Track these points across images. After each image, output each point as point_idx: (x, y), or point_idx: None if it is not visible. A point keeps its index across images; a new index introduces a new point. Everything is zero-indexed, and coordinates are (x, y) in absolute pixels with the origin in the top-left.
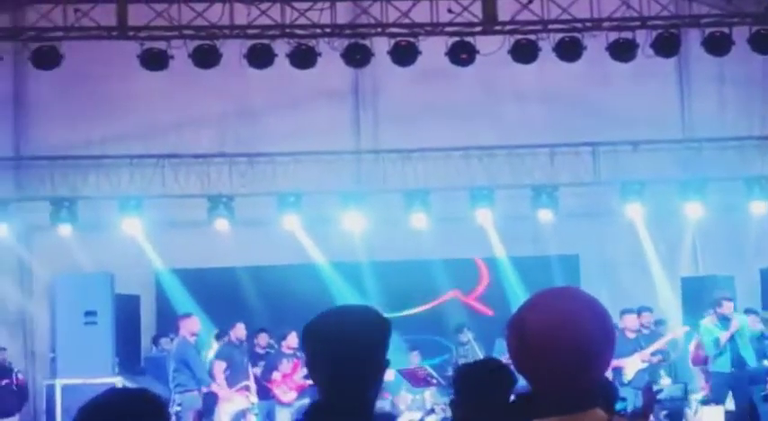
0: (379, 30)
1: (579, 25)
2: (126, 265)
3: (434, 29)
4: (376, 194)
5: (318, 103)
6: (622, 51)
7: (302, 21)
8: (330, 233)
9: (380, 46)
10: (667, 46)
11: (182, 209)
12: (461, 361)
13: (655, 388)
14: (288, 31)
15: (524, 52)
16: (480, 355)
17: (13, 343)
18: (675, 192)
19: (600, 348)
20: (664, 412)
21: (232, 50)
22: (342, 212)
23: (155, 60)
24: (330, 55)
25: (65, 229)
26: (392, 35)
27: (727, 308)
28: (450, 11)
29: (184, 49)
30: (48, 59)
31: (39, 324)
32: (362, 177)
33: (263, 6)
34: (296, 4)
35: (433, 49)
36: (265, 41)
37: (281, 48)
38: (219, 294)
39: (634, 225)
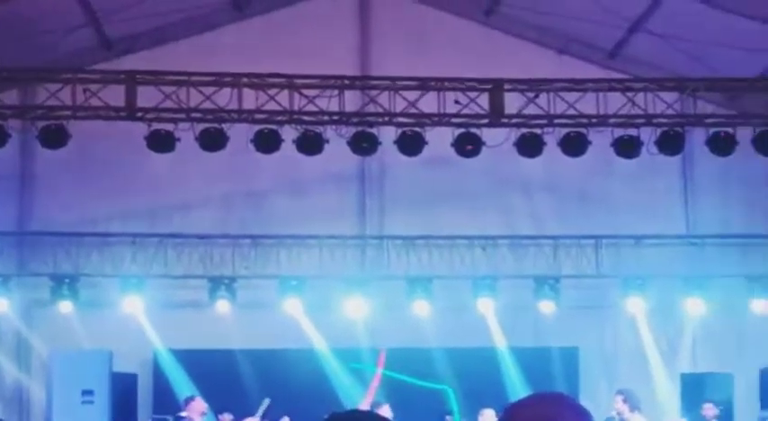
0: (387, 119)
1: (585, 121)
2: (125, 344)
3: (441, 119)
4: (379, 281)
5: (324, 187)
6: (627, 148)
7: (310, 107)
8: (332, 318)
9: (387, 134)
10: (672, 144)
11: (183, 289)
12: None
13: None
14: (296, 117)
15: (530, 145)
16: None
17: (8, 418)
18: (677, 287)
19: None
20: None
21: (239, 133)
22: (345, 298)
23: (162, 142)
24: (337, 140)
25: (65, 306)
26: (399, 124)
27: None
28: (457, 102)
29: (192, 131)
30: (55, 138)
31: (35, 400)
32: (366, 263)
33: (272, 92)
34: (305, 91)
35: (440, 138)
36: (273, 127)
37: (289, 133)
38: (218, 376)
39: (635, 319)
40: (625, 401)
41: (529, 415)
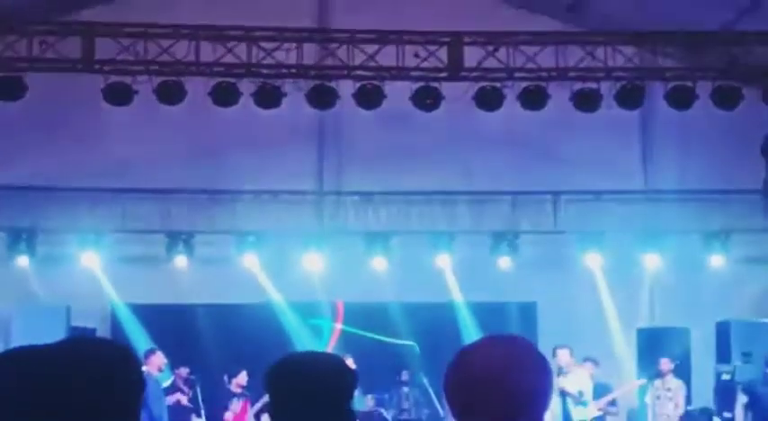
0: (345, 72)
1: (544, 74)
2: (83, 298)
3: (400, 73)
4: (337, 236)
5: (282, 142)
6: (586, 101)
7: (268, 60)
8: (289, 274)
9: (346, 88)
10: (631, 98)
11: (140, 244)
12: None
13: None
14: (254, 70)
15: (489, 99)
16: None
17: None
18: (635, 243)
19: (539, 390)
20: None
21: (197, 87)
22: (302, 253)
23: (119, 94)
24: (295, 95)
25: (22, 261)
26: (358, 78)
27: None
28: (416, 55)
29: (149, 84)
30: (12, 90)
31: None
32: (324, 219)
33: (230, 45)
34: (263, 44)
35: (399, 93)
36: (231, 80)
37: (247, 87)
38: (175, 331)
39: (593, 275)
40: (572, 355)
41: (481, 357)
